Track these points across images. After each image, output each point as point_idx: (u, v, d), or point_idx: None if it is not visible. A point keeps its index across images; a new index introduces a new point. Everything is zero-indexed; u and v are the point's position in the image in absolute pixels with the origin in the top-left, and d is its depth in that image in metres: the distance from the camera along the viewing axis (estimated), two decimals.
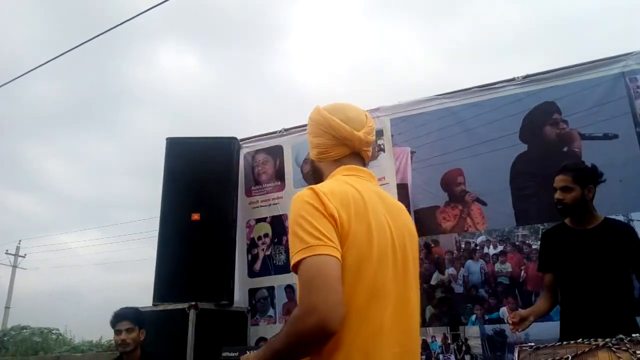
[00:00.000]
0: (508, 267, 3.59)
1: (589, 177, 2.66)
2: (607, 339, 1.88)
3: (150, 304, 3.98)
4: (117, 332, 3.21)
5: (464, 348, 3.61)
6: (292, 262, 1.22)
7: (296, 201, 1.31)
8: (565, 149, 3.59)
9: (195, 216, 4.09)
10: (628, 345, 1.83)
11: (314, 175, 1.61)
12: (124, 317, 3.25)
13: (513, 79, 3.83)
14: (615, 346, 1.84)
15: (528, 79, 3.80)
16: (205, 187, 4.20)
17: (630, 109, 3.45)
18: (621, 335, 1.87)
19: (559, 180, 2.68)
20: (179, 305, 3.79)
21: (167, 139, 4.38)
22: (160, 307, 3.90)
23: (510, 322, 2.54)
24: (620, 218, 3.17)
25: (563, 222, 2.80)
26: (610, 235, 2.61)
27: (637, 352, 1.79)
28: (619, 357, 1.80)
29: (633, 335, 1.86)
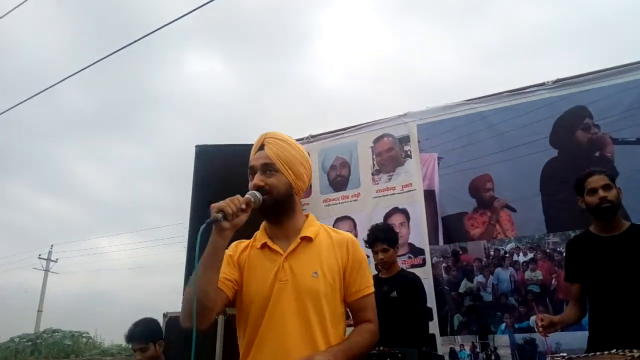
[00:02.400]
0: (539, 275, 3.53)
1: (615, 177, 2.62)
2: None
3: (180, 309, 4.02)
4: (134, 352, 3.24)
5: (493, 357, 3.55)
6: (370, 290, 1.65)
7: (359, 245, 1.70)
8: (597, 154, 3.52)
9: None
10: None
11: (286, 200, 1.66)
12: (132, 338, 3.22)
13: (544, 84, 3.78)
14: None
15: (559, 82, 3.74)
16: (233, 194, 4.20)
17: None
18: None
19: (597, 179, 2.60)
20: None
21: (196, 146, 4.43)
22: None
23: (539, 324, 2.49)
24: None
25: (587, 229, 2.73)
26: (638, 241, 2.54)
27: None
28: None
29: None
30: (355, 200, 4.42)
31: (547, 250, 3.54)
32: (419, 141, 4.20)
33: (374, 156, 4.42)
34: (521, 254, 3.61)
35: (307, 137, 4.77)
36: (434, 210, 4.01)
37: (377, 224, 3.51)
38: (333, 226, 4.43)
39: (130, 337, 3.25)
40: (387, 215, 4.20)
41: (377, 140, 4.43)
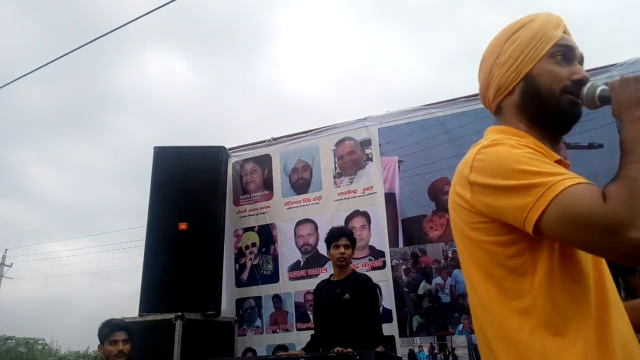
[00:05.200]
0: None
1: None
2: None
3: (137, 314, 3.94)
4: (113, 343, 3.10)
5: (451, 358, 3.61)
6: None
7: None
8: None
9: (183, 225, 4.07)
10: None
11: None
12: (120, 327, 3.16)
13: None
14: None
15: None
16: (193, 197, 4.18)
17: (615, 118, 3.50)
18: None
19: None
20: (166, 316, 3.76)
21: (154, 147, 4.36)
22: (147, 318, 3.87)
23: None
24: None
25: None
26: None
27: None
28: None
29: None
30: (317, 203, 4.42)
31: None
32: (379, 144, 4.24)
33: (336, 159, 4.43)
34: None
35: (269, 140, 4.76)
36: (394, 213, 4.05)
37: (339, 226, 3.57)
38: (294, 229, 4.46)
39: (119, 326, 3.19)
40: (349, 218, 4.22)
41: (339, 143, 4.45)
